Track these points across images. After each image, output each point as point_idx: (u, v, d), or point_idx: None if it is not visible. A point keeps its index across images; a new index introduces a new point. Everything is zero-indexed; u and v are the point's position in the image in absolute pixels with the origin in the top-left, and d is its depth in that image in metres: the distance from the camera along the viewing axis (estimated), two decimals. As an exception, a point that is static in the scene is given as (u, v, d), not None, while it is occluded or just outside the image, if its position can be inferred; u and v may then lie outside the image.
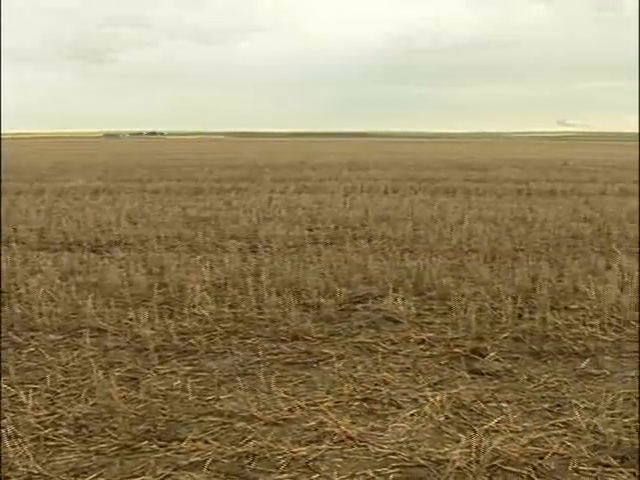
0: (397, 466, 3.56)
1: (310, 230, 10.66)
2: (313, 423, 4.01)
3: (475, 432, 3.89)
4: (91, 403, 4.29)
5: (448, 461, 3.57)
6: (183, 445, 3.76)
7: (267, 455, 3.66)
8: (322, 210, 13.14)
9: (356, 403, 4.30)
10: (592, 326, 5.71)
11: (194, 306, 6.21)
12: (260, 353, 5.17)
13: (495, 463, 3.57)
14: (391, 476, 3.48)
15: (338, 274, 7.32)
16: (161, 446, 3.77)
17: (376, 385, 4.56)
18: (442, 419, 4.08)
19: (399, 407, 4.25)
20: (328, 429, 3.92)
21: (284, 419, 4.08)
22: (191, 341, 5.40)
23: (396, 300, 6.25)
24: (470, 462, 3.55)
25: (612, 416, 4.09)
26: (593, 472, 3.50)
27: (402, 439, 3.84)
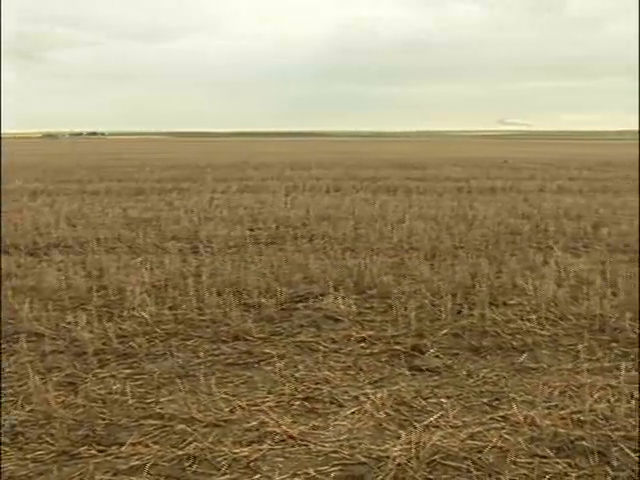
0: (338, 464, 3.57)
1: (251, 230, 10.63)
2: (254, 423, 4.00)
3: (415, 428, 3.92)
4: (28, 409, 4.20)
5: (388, 458, 3.59)
6: (123, 449, 3.72)
7: (208, 457, 3.64)
8: (264, 210, 13.12)
9: (297, 402, 4.30)
10: (530, 321, 5.82)
11: (134, 308, 6.15)
12: (201, 354, 5.13)
13: (435, 458, 3.60)
14: (332, 474, 3.49)
15: (279, 274, 7.31)
16: (100, 451, 3.72)
17: (317, 384, 4.56)
18: (383, 416, 4.10)
19: (340, 405, 4.26)
20: (269, 429, 3.92)
21: (225, 420, 4.06)
22: (131, 344, 5.34)
23: (337, 299, 6.27)
24: (410, 458, 3.58)
25: (549, 408, 4.17)
26: (530, 464, 3.56)
27: (343, 437, 3.85)
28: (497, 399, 4.36)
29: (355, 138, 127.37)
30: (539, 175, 22.79)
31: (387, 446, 3.72)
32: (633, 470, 3.50)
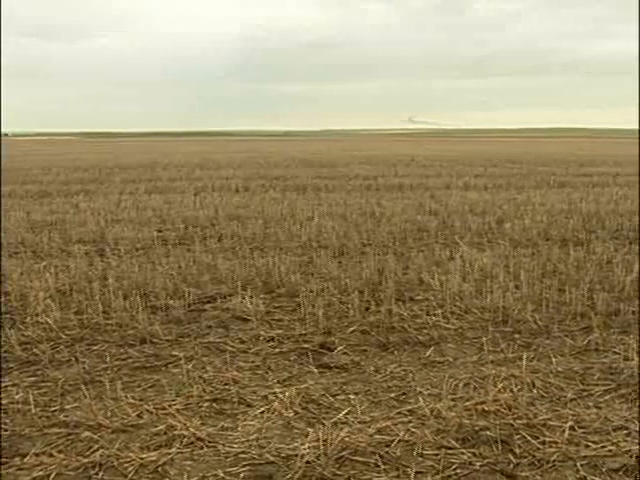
0: (247, 464, 3.56)
1: (159, 231, 10.51)
2: (162, 427, 3.95)
3: (324, 425, 3.94)
4: None
5: (297, 456, 3.60)
6: (26, 461, 3.61)
7: (114, 463, 3.58)
8: (172, 210, 12.98)
9: (206, 404, 4.27)
10: (436, 315, 5.92)
11: (37, 314, 5.99)
12: (107, 359, 5.04)
13: (343, 454, 3.63)
14: (241, 475, 3.48)
15: (187, 275, 7.25)
16: (2, 464, 3.61)
17: (226, 385, 4.55)
18: (291, 414, 4.11)
19: (249, 405, 4.26)
20: (177, 432, 3.88)
21: (132, 425, 4.00)
22: (34, 351, 5.21)
23: (245, 299, 6.26)
24: (318, 455, 3.60)
25: (454, 400, 4.25)
26: (437, 455, 3.63)
27: (252, 437, 3.84)
28: (404, 393, 4.42)
29: (265, 137, 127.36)
30: (446, 172, 23.22)
31: (296, 444, 3.73)
32: (534, 456, 3.60)
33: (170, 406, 4.22)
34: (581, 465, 3.53)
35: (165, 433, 3.89)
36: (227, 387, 4.51)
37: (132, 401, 4.29)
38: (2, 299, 6.51)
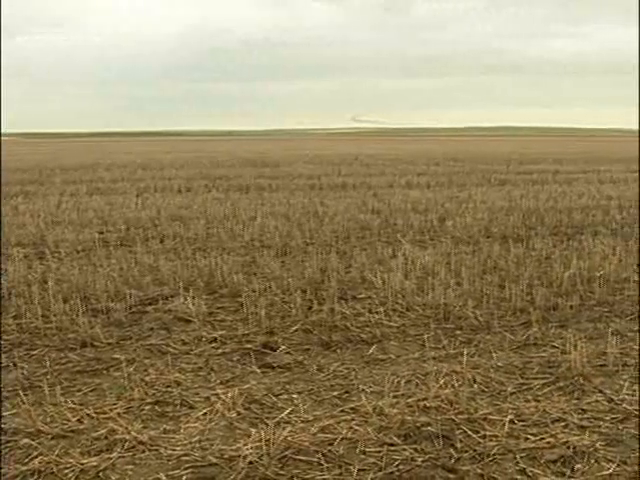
0: (190, 467, 3.54)
1: (101, 233, 10.37)
2: (103, 431, 3.90)
3: (267, 425, 3.94)
4: None
5: (240, 457, 3.59)
6: (-40, 473, 3.55)
7: (54, 470, 3.52)
8: (114, 212, 12.81)
9: (147, 407, 4.23)
10: (378, 313, 5.96)
11: (-26, 320, 5.87)
12: (47, 364, 4.96)
13: (286, 454, 3.63)
14: (184, 477, 3.45)
15: (129, 276, 7.17)
16: (-63, 473, 3.53)
17: (168, 387, 4.51)
18: (234, 415, 4.10)
19: (191, 407, 4.23)
20: (119, 436, 3.83)
21: (72, 430, 3.94)
22: (-29, 357, 5.10)
23: (187, 300, 6.23)
24: (261, 455, 3.60)
25: (396, 397, 4.28)
26: (379, 452, 3.65)
27: (194, 439, 3.82)
28: (347, 392, 4.44)
29: (209, 137, 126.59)
30: (389, 171, 23.36)
31: (239, 445, 3.72)
32: (475, 450, 3.65)
33: (111, 410, 4.16)
34: (520, 457, 3.59)
35: (106, 437, 3.84)
36: (169, 389, 4.47)
37: (72, 406, 4.23)
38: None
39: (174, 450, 3.70)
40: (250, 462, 3.54)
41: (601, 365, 4.83)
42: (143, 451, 3.70)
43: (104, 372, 4.82)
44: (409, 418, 3.99)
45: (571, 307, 6.18)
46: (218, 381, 4.62)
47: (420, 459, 3.58)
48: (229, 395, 4.32)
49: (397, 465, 3.52)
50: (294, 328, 5.64)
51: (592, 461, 3.54)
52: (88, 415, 4.11)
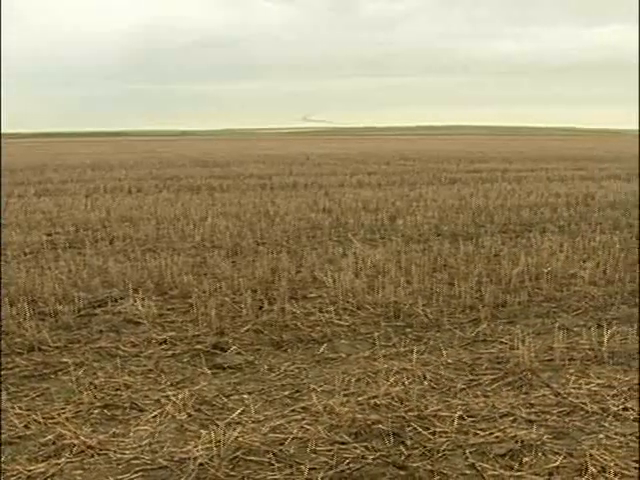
0: (140, 470, 3.51)
1: (49, 235, 10.21)
2: (51, 437, 3.84)
3: (217, 426, 3.92)
4: None
5: (190, 459, 3.57)
6: None
7: (0, 477, 3.47)
8: (63, 213, 12.63)
9: (96, 411, 4.18)
10: (329, 312, 5.97)
11: None
12: (-7, 369, 4.88)
13: (237, 454, 3.62)
14: (133, 481, 3.43)
15: (77, 279, 7.08)
16: None
17: (117, 390, 4.46)
18: (184, 417, 4.07)
19: (141, 410, 4.19)
20: (67, 441, 3.78)
21: (19, 436, 3.87)
22: None
23: (136, 301, 6.17)
24: (212, 457, 3.58)
25: (346, 396, 4.30)
26: (330, 451, 3.66)
27: (144, 442, 3.78)
28: (298, 391, 4.44)
29: (161, 137, 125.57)
30: (340, 170, 23.40)
31: (189, 447, 3.70)
32: (425, 447, 3.68)
33: (59, 415, 4.11)
34: (470, 452, 3.63)
35: (54, 443, 3.79)
36: (119, 392, 4.43)
37: (19, 411, 4.16)
38: None
39: (123, 454, 3.67)
40: (200, 464, 3.52)
41: (548, 360, 4.91)
42: (92, 456, 3.65)
43: (52, 376, 4.75)
44: (359, 416, 4.00)
45: (519, 303, 6.26)
46: (168, 383, 4.59)
47: (371, 457, 3.59)
48: (179, 397, 4.30)
49: (348, 463, 3.54)
50: (245, 328, 5.62)
51: (539, 454, 3.60)
52: (35, 420, 4.05)
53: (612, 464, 3.45)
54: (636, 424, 3.92)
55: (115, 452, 3.68)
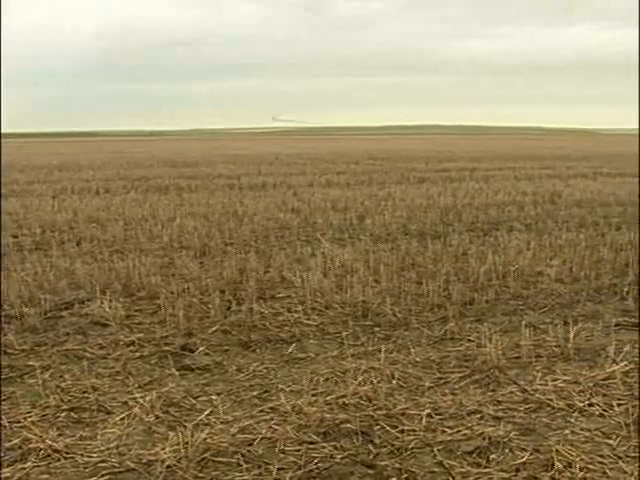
0: (107, 473, 3.48)
1: (15, 237, 10.08)
2: (17, 441, 3.79)
3: (185, 428, 3.90)
4: None
5: (158, 461, 3.55)
6: None
7: (-36, 485, 3.43)
8: (29, 215, 12.49)
9: (63, 414, 4.14)
10: (297, 312, 5.98)
11: None
12: (-43, 373, 4.82)
13: (205, 456, 3.61)
14: (101, 484, 3.40)
15: (44, 281, 7.00)
16: None
17: (84, 393, 4.42)
18: (152, 419, 4.05)
19: (108, 412, 4.16)
20: (33, 445, 3.73)
21: (-16, 441, 3.83)
22: None
23: (104, 303, 6.12)
24: (180, 458, 3.57)
25: (315, 395, 4.30)
26: (298, 451, 3.66)
27: (112, 445, 3.76)
28: (266, 391, 4.44)
29: (129, 137, 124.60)
30: (309, 170, 23.41)
31: (157, 449, 3.68)
32: (393, 445, 3.69)
33: (25, 419, 4.06)
34: (438, 450, 3.65)
35: (20, 447, 3.74)
36: (86, 395, 4.39)
37: (-16, 416, 4.11)
38: None
39: (91, 457, 3.64)
40: (168, 466, 3.50)
41: (515, 357, 4.95)
42: (59, 459, 3.62)
43: (18, 380, 4.70)
44: (328, 416, 4.01)
45: (487, 301, 6.31)
46: (136, 385, 4.56)
47: (339, 456, 3.60)
48: (147, 399, 4.27)
49: (316, 463, 3.54)
50: (213, 329, 5.60)
51: (507, 451, 3.63)
52: (1, 425, 4.00)
53: (578, 459, 3.49)
54: (601, 419, 3.98)
55: (82, 455, 3.65)
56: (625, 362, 4.75)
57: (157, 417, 4.08)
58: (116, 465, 3.55)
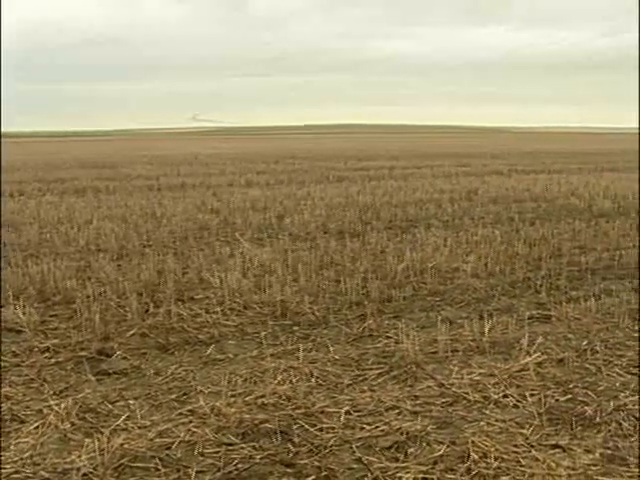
0: (20, 484, 3.41)
1: None
2: None
3: (102, 434, 3.84)
4: None
5: (74, 469, 3.49)
6: None
7: None
8: (-62, 220, 12.11)
9: (-25, 425, 4.04)
10: (216, 313, 5.95)
11: None
12: None
13: (122, 462, 3.56)
14: (14, 495, 3.32)
15: (-47, 288, 6.81)
16: None
17: (-4, 402, 4.31)
18: (68, 426, 3.97)
19: (22, 422, 4.05)
20: (-58, 458, 3.63)
21: None
22: None
23: (17, 309, 5.98)
24: (96, 466, 3.51)
25: (234, 396, 4.29)
26: (217, 453, 3.64)
27: (26, 455, 3.66)
28: (185, 394, 4.40)
29: (45, 138, 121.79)
30: (229, 170, 23.33)
31: (73, 457, 3.61)
32: (312, 444, 3.71)
33: None
34: (357, 447, 3.68)
35: None
36: (-2, 405, 4.28)
37: None
38: None
39: (4, 468, 3.54)
40: (84, 474, 3.44)
41: (433, 352, 5.03)
42: (-31, 472, 3.52)
43: None
44: (247, 416, 4.01)
45: (404, 298, 6.40)
46: (51, 392, 4.46)
47: (259, 456, 3.60)
48: (62, 406, 4.18)
49: (236, 464, 3.53)
50: (130, 332, 5.53)
51: (424, 444, 3.69)
52: None
53: (493, 449, 3.57)
54: (515, 410, 4.08)
55: (-5, 467, 3.56)
56: (538, 353, 4.88)
57: (73, 424, 4.00)
58: (30, 476, 3.47)
